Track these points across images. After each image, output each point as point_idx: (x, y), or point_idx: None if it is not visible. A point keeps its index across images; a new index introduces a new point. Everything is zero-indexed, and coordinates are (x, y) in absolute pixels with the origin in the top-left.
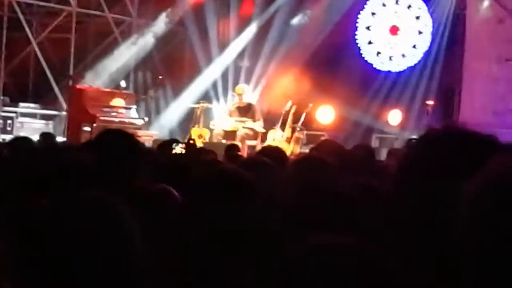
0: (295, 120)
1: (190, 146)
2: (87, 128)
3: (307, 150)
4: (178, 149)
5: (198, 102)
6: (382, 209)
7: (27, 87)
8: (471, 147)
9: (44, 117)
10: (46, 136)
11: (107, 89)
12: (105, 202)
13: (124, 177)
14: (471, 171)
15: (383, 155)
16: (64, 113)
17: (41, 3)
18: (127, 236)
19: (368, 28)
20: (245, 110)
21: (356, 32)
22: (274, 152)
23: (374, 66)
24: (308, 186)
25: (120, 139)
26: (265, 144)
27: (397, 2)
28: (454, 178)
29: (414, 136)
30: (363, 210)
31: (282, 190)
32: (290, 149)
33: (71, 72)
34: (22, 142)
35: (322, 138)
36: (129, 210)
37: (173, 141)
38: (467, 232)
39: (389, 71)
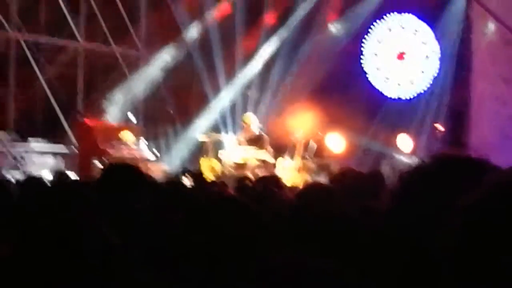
0: (305, 149)
1: (198, 178)
2: (98, 163)
3: (318, 179)
4: (187, 180)
5: (207, 133)
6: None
7: (36, 123)
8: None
9: (53, 153)
10: (60, 175)
11: (116, 123)
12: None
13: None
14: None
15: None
16: (73, 148)
17: (48, 40)
18: None
19: (375, 54)
20: (255, 141)
21: (362, 59)
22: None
23: (384, 93)
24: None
25: (126, 174)
26: (276, 173)
27: (403, 28)
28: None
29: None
30: (360, 230)
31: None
32: (300, 178)
33: (79, 107)
34: (34, 181)
35: (333, 166)
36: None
37: (182, 172)
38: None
39: (399, 98)
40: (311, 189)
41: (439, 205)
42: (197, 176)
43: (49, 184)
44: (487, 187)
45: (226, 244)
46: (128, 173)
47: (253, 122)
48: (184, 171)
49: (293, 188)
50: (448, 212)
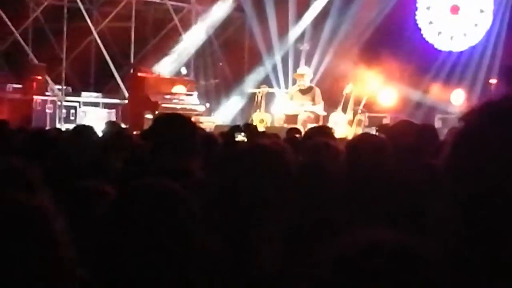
0: (357, 102)
1: (251, 132)
2: (150, 116)
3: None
4: (241, 137)
5: (258, 87)
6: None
7: (89, 77)
8: None
9: (106, 105)
10: (111, 125)
11: (168, 76)
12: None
13: (179, 163)
14: None
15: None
16: (126, 101)
17: None
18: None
19: (428, 8)
20: (306, 93)
21: (416, 13)
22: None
23: (435, 46)
24: (364, 173)
25: (176, 125)
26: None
27: None
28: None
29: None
30: (421, 193)
31: (339, 173)
32: (352, 132)
33: (131, 60)
34: (84, 130)
35: (385, 120)
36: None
37: (235, 128)
38: None
39: (450, 51)
40: (363, 141)
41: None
42: (249, 127)
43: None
44: None
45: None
46: (179, 123)
47: (306, 75)
48: (237, 126)
49: (344, 140)
50: None
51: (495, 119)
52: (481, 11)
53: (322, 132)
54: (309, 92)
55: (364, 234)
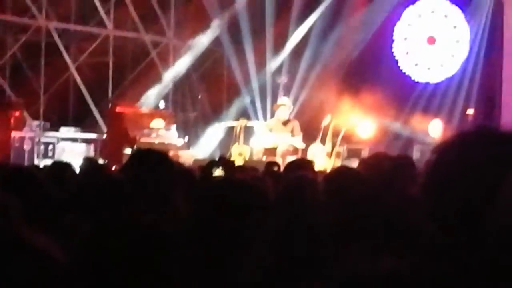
0: (335, 134)
1: (228, 166)
2: (128, 151)
3: (348, 164)
4: (219, 171)
5: (237, 120)
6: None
7: (67, 112)
8: (504, 146)
9: (85, 140)
10: (88, 161)
11: (146, 111)
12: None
13: (157, 198)
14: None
15: None
16: (104, 136)
17: (78, 28)
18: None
19: (405, 39)
20: (285, 126)
21: (393, 44)
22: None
23: (413, 77)
24: (342, 205)
25: (154, 160)
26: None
27: (433, 12)
28: (488, 176)
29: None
30: (403, 220)
31: (318, 206)
32: (331, 164)
33: (110, 95)
34: (62, 166)
35: (363, 152)
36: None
37: (213, 163)
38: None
39: (427, 82)
40: (340, 173)
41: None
42: (227, 162)
43: (78, 170)
44: None
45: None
46: (156, 158)
47: (286, 106)
48: (215, 159)
49: (323, 173)
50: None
51: (466, 148)
52: (457, 41)
53: (302, 165)
54: (287, 125)
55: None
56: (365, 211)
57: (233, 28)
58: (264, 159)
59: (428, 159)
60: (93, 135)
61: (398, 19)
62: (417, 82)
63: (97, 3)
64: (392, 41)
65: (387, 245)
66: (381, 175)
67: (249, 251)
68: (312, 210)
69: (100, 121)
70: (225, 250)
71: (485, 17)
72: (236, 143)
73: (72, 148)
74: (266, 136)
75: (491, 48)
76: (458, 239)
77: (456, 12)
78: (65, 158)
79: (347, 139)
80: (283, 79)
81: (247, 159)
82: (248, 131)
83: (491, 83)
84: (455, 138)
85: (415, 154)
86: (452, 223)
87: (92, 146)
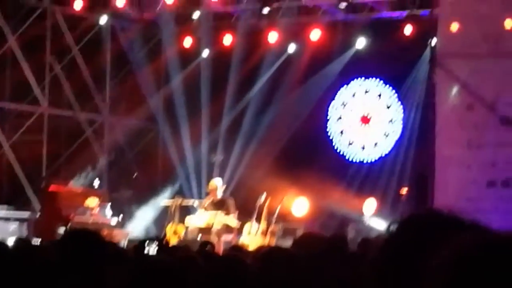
0: (270, 213)
1: (161, 245)
2: (62, 230)
3: (283, 243)
4: (152, 249)
5: (172, 198)
6: None
7: (0, 190)
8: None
9: (18, 219)
10: (21, 241)
11: (80, 189)
12: None
13: (92, 276)
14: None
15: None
16: (38, 215)
17: (12, 106)
18: None
19: (339, 118)
20: (220, 205)
21: (328, 123)
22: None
23: (347, 156)
24: (275, 282)
25: (86, 239)
26: (241, 238)
27: (366, 92)
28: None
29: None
30: None
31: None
32: (266, 242)
33: (43, 174)
34: None
35: (298, 230)
36: None
37: (147, 242)
38: None
39: (362, 161)
40: (272, 254)
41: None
42: (161, 241)
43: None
44: (455, 253)
45: None
46: (89, 238)
47: (218, 187)
48: (149, 238)
49: (258, 251)
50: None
51: (414, 234)
52: (391, 121)
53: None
54: (222, 203)
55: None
56: None
57: (169, 106)
58: (199, 238)
59: (364, 239)
60: (26, 214)
61: (333, 98)
62: (352, 161)
63: (32, 81)
64: (327, 120)
65: None
66: (313, 257)
67: None
68: None
69: (34, 200)
70: None
71: (418, 97)
72: (171, 222)
73: (4, 227)
74: (201, 214)
75: (424, 127)
76: None
77: (389, 92)
78: None
79: (282, 217)
80: (218, 157)
81: (182, 237)
82: (183, 210)
83: (424, 162)
84: (403, 223)
85: (350, 233)
86: None
87: (25, 225)
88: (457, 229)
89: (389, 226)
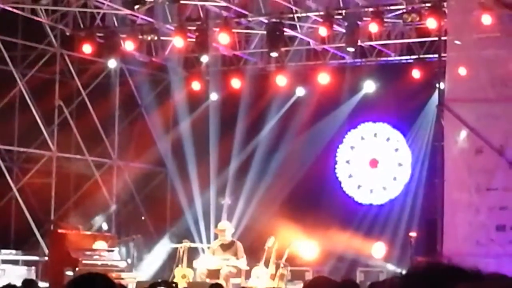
0: (279, 256)
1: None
2: (70, 273)
3: (292, 287)
4: None
5: (180, 242)
6: None
7: (9, 234)
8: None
9: (26, 263)
10: (28, 283)
11: (89, 232)
12: None
13: None
14: None
15: None
16: (46, 258)
17: (21, 149)
18: None
19: (347, 162)
20: (228, 248)
21: (336, 166)
22: None
23: (356, 199)
24: None
25: (95, 282)
26: (250, 281)
27: (375, 135)
28: None
29: (398, 272)
30: None
31: None
32: (275, 286)
33: (52, 217)
34: None
35: (307, 274)
36: None
37: (156, 285)
38: None
39: (370, 204)
40: None
41: None
42: (170, 285)
43: None
44: None
45: None
46: (97, 281)
47: (227, 230)
48: (157, 281)
49: None
50: None
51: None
52: (400, 164)
53: None
54: (231, 247)
55: None
56: None
57: (177, 149)
58: (207, 281)
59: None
60: (35, 257)
61: (341, 141)
62: (360, 204)
63: (41, 125)
64: (335, 163)
65: None
66: None
67: None
68: None
69: (42, 243)
70: None
71: (426, 140)
72: (180, 265)
73: (12, 270)
74: (210, 258)
75: (433, 171)
76: None
77: (397, 136)
78: (5, 281)
79: (290, 261)
80: (226, 201)
81: (190, 281)
82: (191, 253)
83: (433, 205)
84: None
85: (359, 276)
86: None
87: (33, 268)
88: (456, 280)
89: (392, 279)
